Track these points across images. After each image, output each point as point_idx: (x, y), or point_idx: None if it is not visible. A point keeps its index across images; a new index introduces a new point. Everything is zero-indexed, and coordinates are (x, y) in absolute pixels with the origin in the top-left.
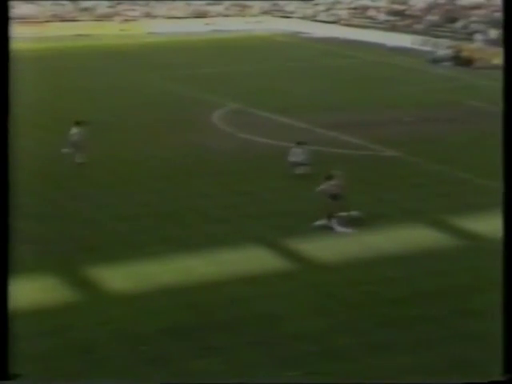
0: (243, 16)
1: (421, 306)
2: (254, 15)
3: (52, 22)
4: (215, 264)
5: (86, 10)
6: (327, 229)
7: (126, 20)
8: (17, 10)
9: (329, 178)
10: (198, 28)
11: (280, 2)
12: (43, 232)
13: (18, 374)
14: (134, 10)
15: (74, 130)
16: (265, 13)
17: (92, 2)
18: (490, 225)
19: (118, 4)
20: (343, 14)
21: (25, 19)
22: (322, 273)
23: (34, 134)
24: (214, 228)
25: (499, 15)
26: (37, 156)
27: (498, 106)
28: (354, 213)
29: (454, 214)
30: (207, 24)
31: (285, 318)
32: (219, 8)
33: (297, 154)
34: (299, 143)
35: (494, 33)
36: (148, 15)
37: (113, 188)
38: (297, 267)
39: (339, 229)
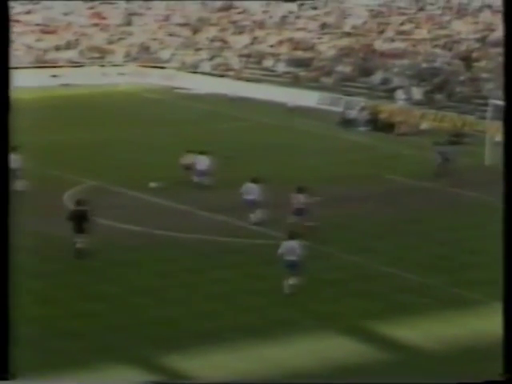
0: (102, 65)
1: None
2: (117, 64)
3: None
4: None
5: None
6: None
7: None
8: None
9: None
10: (41, 81)
11: (153, 46)
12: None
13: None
14: None
15: None
16: (131, 60)
17: None
18: (421, 330)
19: None
20: (233, 63)
21: None
22: None
23: None
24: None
25: (426, 66)
26: None
27: (424, 182)
28: None
29: (375, 318)
30: (54, 76)
31: None
32: (71, 54)
33: None
34: None
35: (420, 90)
36: None
37: None
38: None
39: None
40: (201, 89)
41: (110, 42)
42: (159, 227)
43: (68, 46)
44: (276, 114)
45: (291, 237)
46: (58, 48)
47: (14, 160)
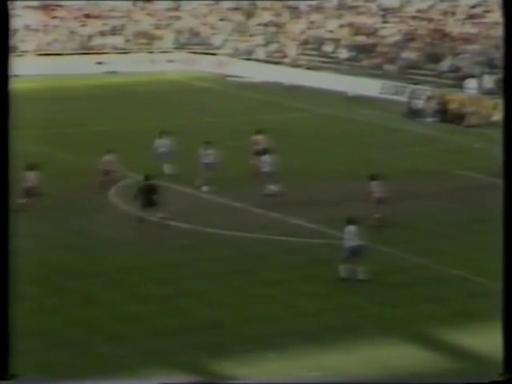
0: (150, 52)
1: None
2: (165, 51)
3: None
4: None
5: None
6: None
7: None
8: None
9: None
10: (85, 68)
11: (204, 31)
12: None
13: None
14: None
15: None
16: (180, 47)
17: None
18: (492, 338)
19: None
20: (289, 49)
21: None
22: None
23: None
24: None
25: (499, 52)
26: None
27: (497, 178)
28: None
29: (442, 324)
30: (99, 63)
31: None
32: (117, 40)
33: None
34: None
35: (492, 78)
36: (13, 50)
37: None
38: None
39: None
40: (255, 77)
41: (158, 27)
42: (210, 225)
43: (113, 31)
44: (335, 103)
45: (350, 222)
46: (102, 33)
47: None
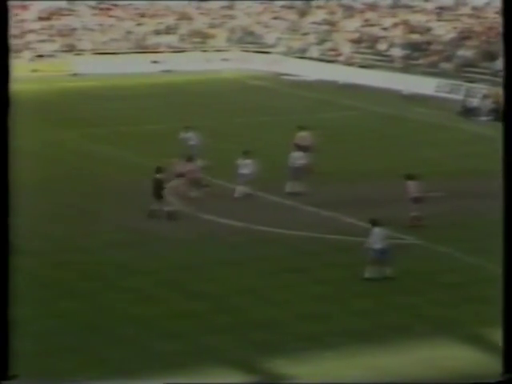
0: (204, 50)
1: None
2: (220, 49)
3: None
4: None
5: None
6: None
7: (40, 56)
8: None
9: None
10: (141, 67)
11: (258, 30)
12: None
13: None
14: (51, 41)
15: None
16: (234, 45)
17: None
18: None
19: (29, 33)
20: (343, 47)
21: None
22: None
23: None
24: None
25: None
26: None
27: None
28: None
29: (498, 326)
30: (154, 62)
31: None
32: (171, 39)
33: None
34: None
35: None
36: (71, 49)
37: None
38: None
39: None
40: (309, 75)
41: (212, 26)
42: (262, 223)
43: (168, 30)
44: (389, 102)
45: (374, 223)
46: (157, 32)
47: None
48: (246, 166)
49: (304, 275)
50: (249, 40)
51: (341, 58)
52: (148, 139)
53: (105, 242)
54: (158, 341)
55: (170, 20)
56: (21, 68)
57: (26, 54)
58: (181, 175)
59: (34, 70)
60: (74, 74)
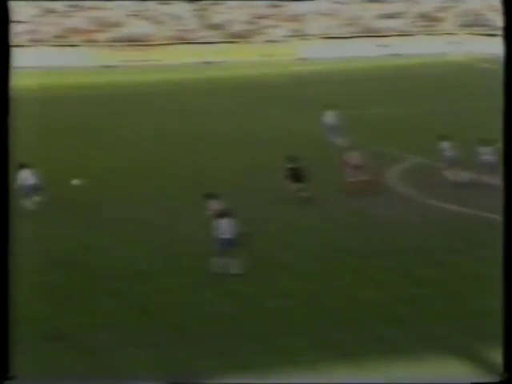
0: (431, 34)
1: None
2: (447, 32)
3: (172, 44)
4: None
5: (216, 27)
6: None
7: (270, 41)
8: (126, 29)
9: None
10: (366, 51)
11: (487, 13)
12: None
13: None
14: (279, 26)
15: None
16: (462, 29)
17: (224, 17)
18: None
19: (260, 19)
20: None
21: (137, 41)
22: None
23: None
24: None
25: None
26: None
27: None
28: None
29: None
30: (380, 46)
31: None
32: (397, 23)
33: None
34: None
35: None
36: (298, 34)
37: None
38: None
39: None
40: None
41: (440, 10)
42: (486, 209)
43: (394, 14)
44: None
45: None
46: (383, 17)
47: None
48: (487, 154)
49: None
50: (478, 23)
51: None
52: (372, 123)
53: (334, 225)
54: (382, 325)
55: (397, 5)
56: (251, 53)
57: (257, 40)
58: None
59: (264, 55)
60: (303, 59)
